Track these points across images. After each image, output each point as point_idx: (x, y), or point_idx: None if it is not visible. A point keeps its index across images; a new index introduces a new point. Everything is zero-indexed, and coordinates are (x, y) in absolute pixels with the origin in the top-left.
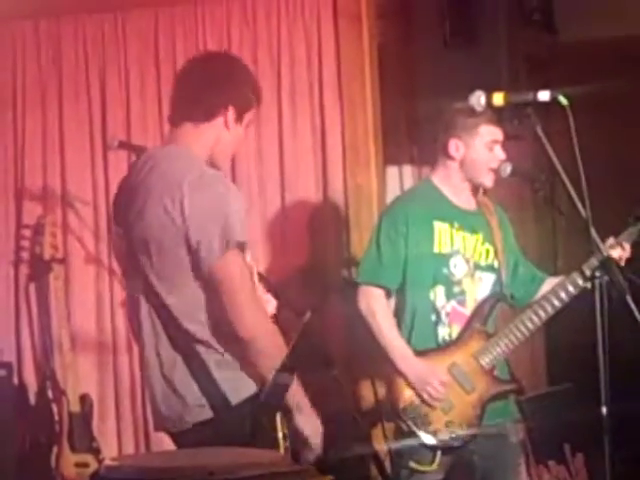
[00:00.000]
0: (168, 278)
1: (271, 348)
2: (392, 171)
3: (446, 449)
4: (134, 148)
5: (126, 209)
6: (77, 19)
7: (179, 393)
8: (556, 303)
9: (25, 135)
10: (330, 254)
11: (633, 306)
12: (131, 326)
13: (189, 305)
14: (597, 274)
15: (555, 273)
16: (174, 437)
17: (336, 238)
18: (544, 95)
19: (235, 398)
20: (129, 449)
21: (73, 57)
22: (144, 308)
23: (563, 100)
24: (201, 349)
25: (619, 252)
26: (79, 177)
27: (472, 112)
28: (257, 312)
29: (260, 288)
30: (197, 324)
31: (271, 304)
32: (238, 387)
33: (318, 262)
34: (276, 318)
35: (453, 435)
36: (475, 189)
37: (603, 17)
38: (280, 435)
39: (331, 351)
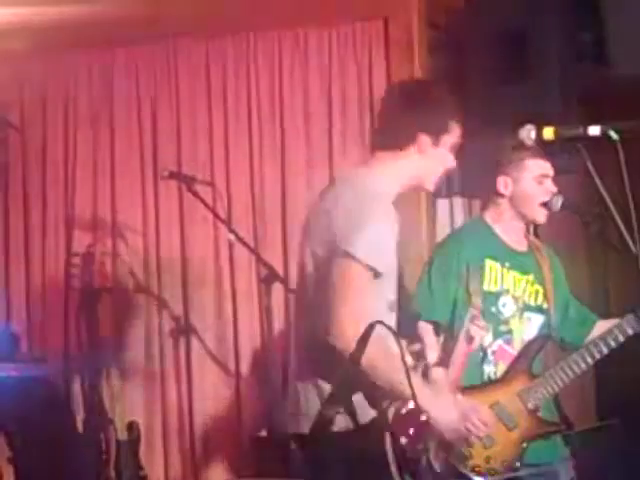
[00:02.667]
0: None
1: (377, 362)
2: (442, 204)
3: None
4: (184, 178)
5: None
6: (129, 50)
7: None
8: (604, 349)
9: (76, 164)
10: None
11: None
12: None
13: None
14: None
15: (607, 311)
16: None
17: None
18: (595, 130)
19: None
20: (177, 477)
21: (125, 87)
22: None
23: (614, 135)
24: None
25: None
26: (129, 207)
27: (517, 147)
28: (356, 327)
29: None
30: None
31: None
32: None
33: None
34: None
35: (492, 471)
36: (527, 228)
37: None
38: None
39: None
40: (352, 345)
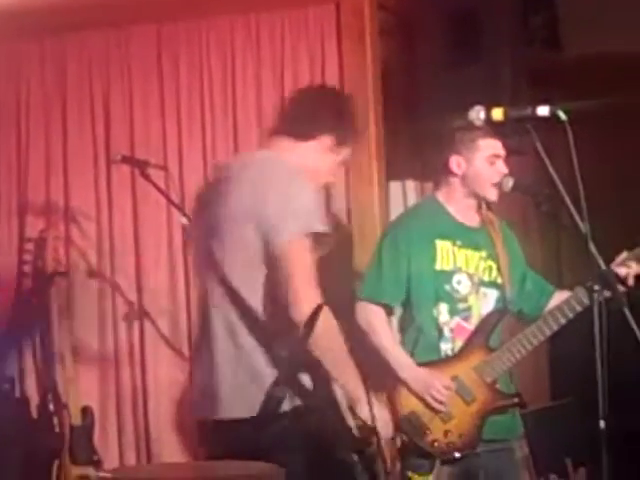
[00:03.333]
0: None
1: (328, 342)
2: (395, 186)
3: (445, 459)
4: (137, 162)
5: (215, 207)
6: (81, 37)
7: (257, 382)
8: (561, 320)
9: (29, 150)
10: (334, 269)
11: (631, 320)
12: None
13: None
14: (596, 288)
15: (560, 288)
16: (231, 425)
17: (338, 252)
18: (543, 110)
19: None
20: (131, 461)
21: (77, 74)
22: (218, 296)
23: (562, 115)
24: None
25: (625, 270)
26: (82, 192)
27: (470, 128)
28: (313, 301)
29: None
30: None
31: None
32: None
33: (319, 276)
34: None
35: (451, 445)
36: (479, 205)
37: (607, 33)
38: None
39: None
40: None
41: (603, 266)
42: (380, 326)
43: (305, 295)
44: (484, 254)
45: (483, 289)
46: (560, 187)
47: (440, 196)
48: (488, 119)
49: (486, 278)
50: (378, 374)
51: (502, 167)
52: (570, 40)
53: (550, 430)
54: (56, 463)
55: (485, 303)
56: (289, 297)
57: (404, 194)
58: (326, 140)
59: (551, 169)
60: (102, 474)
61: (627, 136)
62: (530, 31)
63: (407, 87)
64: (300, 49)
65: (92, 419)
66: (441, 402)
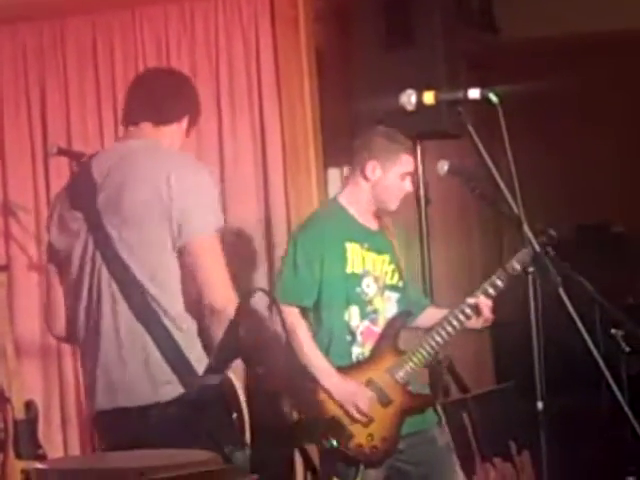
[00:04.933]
0: (143, 254)
1: None
2: (333, 173)
3: (369, 463)
4: (73, 154)
5: (92, 196)
6: (15, 28)
7: (145, 366)
8: (462, 319)
9: None
10: (270, 257)
11: (567, 300)
12: (57, 322)
13: (163, 281)
14: (530, 269)
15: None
16: (117, 413)
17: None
18: (474, 93)
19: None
20: (76, 454)
21: (12, 66)
22: (105, 287)
23: (493, 98)
24: (168, 323)
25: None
26: (20, 185)
27: (394, 139)
28: (228, 287)
29: None
30: (168, 298)
31: None
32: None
33: (255, 262)
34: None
35: (374, 448)
36: (377, 211)
37: (542, 17)
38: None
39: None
40: (230, 307)
41: (537, 247)
42: (302, 331)
43: (221, 291)
44: (387, 257)
45: (387, 292)
46: (493, 170)
47: (343, 199)
48: (419, 102)
49: (389, 281)
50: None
51: (409, 185)
52: (505, 23)
53: (494, 414)
54: (0, 457)
55: (389, 306)
56: (204, 293)
57: (342, 180)
58: (184, 123)
59: (484, 152)
60: (39, 466)
61: (561, 118)
62: (465, 14)
63: (343, 73)
64: (234, 35)
65: (36, 413)
66: (364, 413)
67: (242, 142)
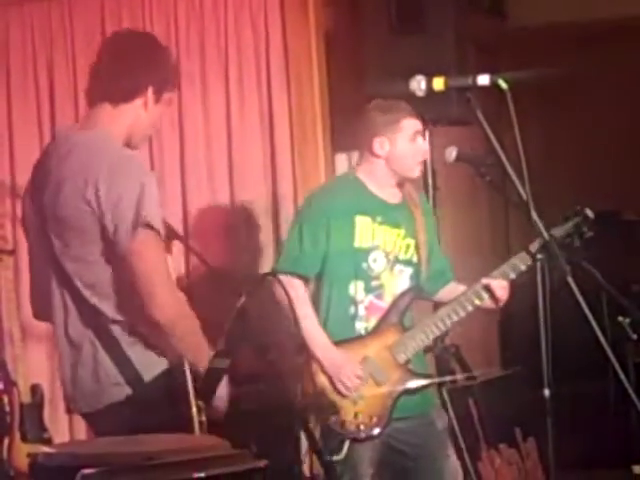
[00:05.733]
0: (81, 259)
1: (186, 332)
2: (341, 158)
3: (354, 440)
4: None
5: (41, 190)
6: (23, 10)
7: (94, 372)
8: (476, 302)
9: None
10: (276, 240)
11: (575, 288)
12: (36, 306)
13: (102, 285)
14: (539, 256)
15: (508, 253)
16: (88, 418)
17: (284, 224)
18: (484, 79)
19: (148, 375)
20: (81, 438)
21: (20, 47)
22: (55, 289)
23: (503, 84)
24: (113, 327)
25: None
26: (28, 168)
27: (391, 108)
28: (171, 295)
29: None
30: (110, 304)
31: None
32: (150, 363)
33: (264, 247)
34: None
35: (361, 426)
36: (402, 182)
37: (551, 3)
38: (195, 410)
39: (269, 335)
40: (174, 317)
41: (546, 235)
42: (299, 299)
43: (161, 300)
44: (403, 232)
45: (399, 266)
46: (502, 156)
47: (361, 173)
48: (429, 89)
49: (402, 256)
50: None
51: (423, 143)
52: (514, 9)
53: (499, 400)
54: (6, 441)
55: (400, 280)
56: (144, 304)
57: (350, 166)
58: (149, 94)
59: (492, 137)
60: (46, 450)
61: (571, 105)
62: (474, 0)
63: (352, 58)
64: (243, 20)
65: (42, 397)
66: (349, 389)
67: (250, 125)
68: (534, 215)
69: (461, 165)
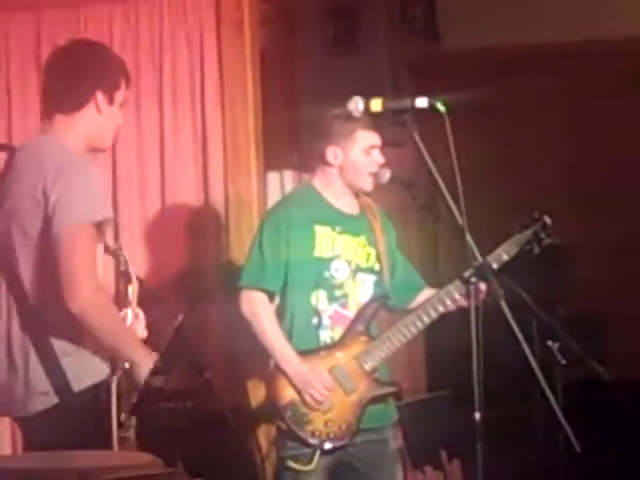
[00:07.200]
0: (29, 262)
1: (107, 322)
2: (273, 177)
3: (325, 449)
4: (8, 148)
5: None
6: None
7: (25, 379)
8: (440, 309)
9: None
10: (209, 258)
11: (508, 312)
12: None
13: (43, 288)
14: (472, 280)
15: (437, 280)
16: (19, 423)
17: (215, 242)
18: (422, 102)
19: (78, 385)
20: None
21: None
22: (2, 292)
23: (441, 107)
24: (52, 335)
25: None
26: None
27: (348, 118)
28: (89, 287)
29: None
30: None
31: (140, 322)
32: (82, 374)
33: (196, 266)
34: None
35: (331, 435)
36: (357, 193)
37: (484, 26)
38: (114, 425)
39: (205, 354)
40: (90, 308)
41: (480, 258)
42: (263, 313)
43: (84, 286)
44: (363, 240)
45: (361, 275)
46: (438, 179)
47: (317, 183)
48: (367, 110)
49: (364, 264)
50: (258, 361)
51: (379, 157)
52: (448, 31)
53: (425, 422)
54: None
55: (364, 289)
56: (64, 288)
57: (282, 185)
58: (99, 98)
59: (428, 159)
60: None
61: (505, 127)
62: (408, 22)
63: (287, 77)
64: (179, 37)
65: None
66: (319, 402)
67: (183, 142)
68: (469, 239)
69: (392, 188)
